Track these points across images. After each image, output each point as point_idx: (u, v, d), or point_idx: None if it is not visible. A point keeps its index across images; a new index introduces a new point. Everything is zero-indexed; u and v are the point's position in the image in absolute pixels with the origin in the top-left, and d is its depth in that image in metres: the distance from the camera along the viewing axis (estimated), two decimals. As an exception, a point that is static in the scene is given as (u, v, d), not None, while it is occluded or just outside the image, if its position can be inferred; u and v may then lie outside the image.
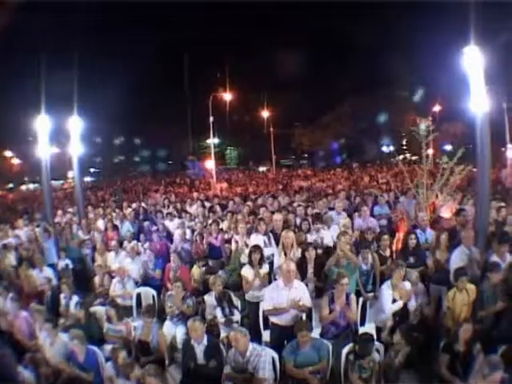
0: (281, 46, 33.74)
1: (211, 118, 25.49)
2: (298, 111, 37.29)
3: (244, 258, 7.81)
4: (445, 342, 5.36)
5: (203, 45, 33.08)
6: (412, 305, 6.20)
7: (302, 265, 7.12)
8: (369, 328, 6.63)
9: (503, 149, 25.58)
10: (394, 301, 6.14)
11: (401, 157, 45.14)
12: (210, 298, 6.87)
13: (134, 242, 9.94)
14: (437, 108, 31.63)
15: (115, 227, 10.89)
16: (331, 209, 11.19)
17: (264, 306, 6.12)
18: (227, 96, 28.37)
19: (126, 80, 27.24)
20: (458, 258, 6.84)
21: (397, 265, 6.34)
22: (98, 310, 6.85)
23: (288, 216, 9.54)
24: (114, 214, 12.41)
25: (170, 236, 10.78)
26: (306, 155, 46.10)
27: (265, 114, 37.37)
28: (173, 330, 6.66)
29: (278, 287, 6.08)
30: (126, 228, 11.15)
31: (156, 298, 7.77)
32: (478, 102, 7.55)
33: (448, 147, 37.98)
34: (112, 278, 8.31)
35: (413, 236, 7.68)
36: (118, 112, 30.13)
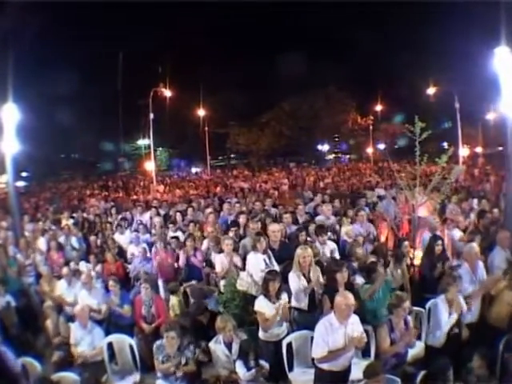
0: (219, 43, 32.37)
1: (151, 115, 23.22)
2: (234, 110, 35.77)
3: (241, 285, 6.36)
4: (506, 340, 5.10)
5: (139, 42, 30.67)
6: (468, 317, 5.76)
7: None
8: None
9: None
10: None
11: (333, 156, 45.77)
12: (218, 347, 5.10)
13: (83, 263, 7.99)
14: (378, 107, 31.79)
15: (60, 246, 8.66)
16: (308, 213, 9.84)
17: (315, 352, 4.59)
18: (167, 93, 26.41)
19: (58, 74, 24.56)
20: (497, 261, 6.61)
21: (454, 278, 5.56)
22: (64, 378, 4.70)
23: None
24: (53, 228, 10.03)
25: (122, 253, 8.93)
26: (240, 155, 44.67)
27: (200, 112, 35.36)
28: (170, 394, 4.85)
29: (331, 326, 4.58)
30: (72, 245, 9.12)
31: (135, 347, 5.66)
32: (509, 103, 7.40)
33: (381, 146, 38.71)
34: (67, 318, 6.18)
35: (439, 242, 6.86)
36: (49, 106, 26.80)
